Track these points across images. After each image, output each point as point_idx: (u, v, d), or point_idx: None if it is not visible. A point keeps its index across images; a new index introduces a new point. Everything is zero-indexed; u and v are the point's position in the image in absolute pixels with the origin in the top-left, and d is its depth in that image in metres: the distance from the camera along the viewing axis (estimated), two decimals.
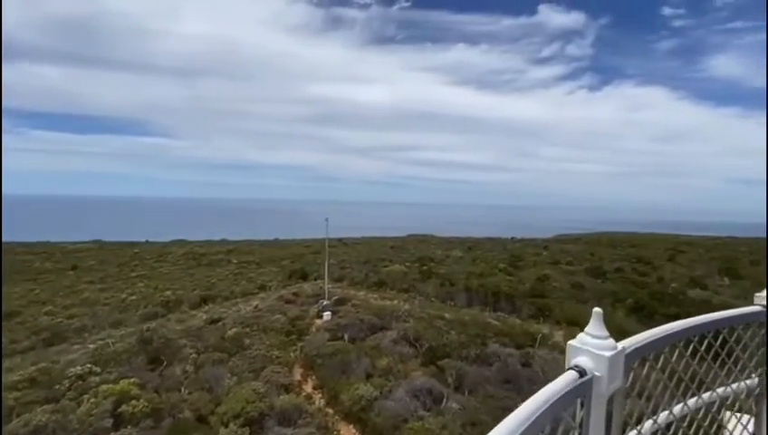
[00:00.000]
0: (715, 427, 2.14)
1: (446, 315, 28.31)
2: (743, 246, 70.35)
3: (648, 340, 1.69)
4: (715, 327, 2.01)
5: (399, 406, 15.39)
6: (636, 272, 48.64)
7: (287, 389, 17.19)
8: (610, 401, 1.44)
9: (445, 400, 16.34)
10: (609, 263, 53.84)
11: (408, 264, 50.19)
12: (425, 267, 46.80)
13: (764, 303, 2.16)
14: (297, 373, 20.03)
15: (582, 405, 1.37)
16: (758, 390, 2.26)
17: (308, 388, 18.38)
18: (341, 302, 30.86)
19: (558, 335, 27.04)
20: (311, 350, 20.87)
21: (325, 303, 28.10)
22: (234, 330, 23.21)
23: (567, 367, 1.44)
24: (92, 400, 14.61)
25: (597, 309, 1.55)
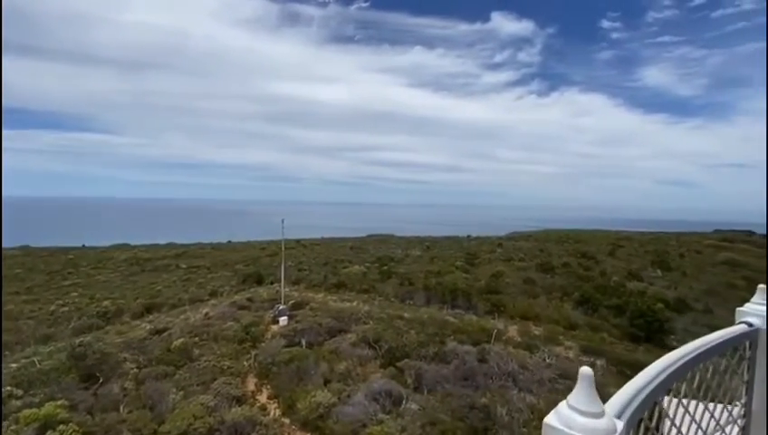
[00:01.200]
0: None
1: (406, 315, 28.40)
2: (672, 240, 77.40)
3: None
4: None
5: (358, 411, 15.09)
6: (581, 266, 51.76)
7: (239, 401, 16.30)
8: None
9: (404, 401, 16.26)
10: (557, 258, 56.88)
11: (367, 264, 49.97)
12: (384, 267, 46.82)
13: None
14: (251, 383, 19.10)
15: (750, 347, 1.88)
16: None
17: (262, 398, 17.56)
18: (299, 305, 30.00)
19: (512, 330, 28.05)
20: (265, 358, 19.98)
21: (281, 307, 27.13)
22: (181, 340, 21.70)
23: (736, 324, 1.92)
24: (12, 427, 12.98)
25: (762, 285, 2.02)
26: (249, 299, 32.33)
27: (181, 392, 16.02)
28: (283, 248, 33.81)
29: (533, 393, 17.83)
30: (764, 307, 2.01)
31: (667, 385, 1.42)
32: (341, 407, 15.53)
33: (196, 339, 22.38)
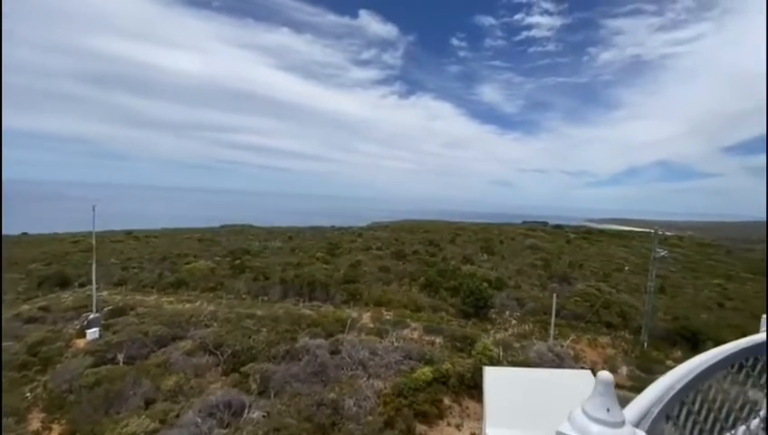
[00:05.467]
0: None
1: (258, 313, 26.28)
2: (495, 230, 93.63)
3: None
4: None
5: (187, 432, 12.92)
6: (428, 253, 57.67)
7: None
8: None
9: (247, 410, 14.71)
10: (409, 247, 62.07)
11: (217, 258, 44.88)
12: (238, 261, 42.80)
13: None
14: (35, 421, 14.58)
15: None
16: None
17: None
18: (120, 312, 24.65)
19: (366, 317, 28.98)
20: (59, 384, 15.50)
21: (92, 316, 21.67)
22: None
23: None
24: None
25: None
26: (44, 309, 24.92)
27: None
28: (94, 241, 27.08)
29: (381, 378, 18.54)
30: None
31: (687, 392, 1.36)
32: (166, 432, 13.06)
33: None
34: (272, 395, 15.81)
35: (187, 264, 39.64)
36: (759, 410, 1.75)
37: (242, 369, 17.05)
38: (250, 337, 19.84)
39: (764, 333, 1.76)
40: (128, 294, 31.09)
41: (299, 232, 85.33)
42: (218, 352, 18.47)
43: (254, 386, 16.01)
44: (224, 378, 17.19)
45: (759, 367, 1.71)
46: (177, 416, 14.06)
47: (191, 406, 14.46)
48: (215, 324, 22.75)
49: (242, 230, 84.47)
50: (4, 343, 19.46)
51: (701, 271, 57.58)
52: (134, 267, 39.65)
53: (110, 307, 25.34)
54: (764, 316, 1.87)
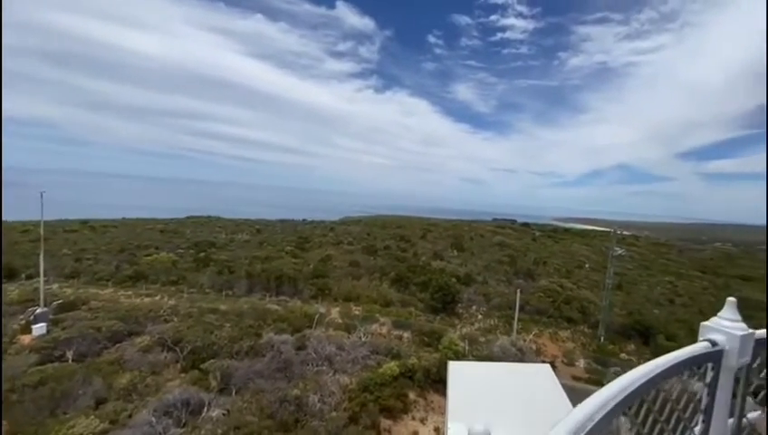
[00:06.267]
0: None
1: (222, 307, 25.48)
2: (465, 226, 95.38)
3: None
4: None
5: (141, 432, 12.31)
6: (399, 249, 57.94)
7: None
8: (737, 379, 1.64)
9: (206, 408, 14.21)
10: (380, 242, 62.13)
11: (180, 250, 43.12)
12: (202, 254, 41.30)
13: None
14: None
15: (713, 369, 1.62)
16: None
17: None
18: (71, 306, 23.19)
19: (334, 312, 28.74)
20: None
21: (39, 311, 20.24)
22: None
23: (699, 341, 1.65)
24: None
25: (731, 298, 1.74)
26: None
27: None
28: (42, 230, 25.23)
29: (348, 373, 18.43)
30: (732, 323, 1.71)
31: (621, 409, 1.29)
32: (117, 433, 12.39)
33: None
34: (233, 392, 15.35)
35: (147, 256, 37.83)
36: (695, 427, 1.68)
37: (202, 366, 16.46)
38: (212, 333, 19.18)
39: (705, 343, 1.69)
40: (80, 287, 29.29)
41: (268, 225, 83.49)
42: (177, 349, 17.73)
43: (214, 383, 15.49)
44: (182, 375, 16.52)
45: (695, 380, 1.65)
46: (130, 416, 13.39)
47: (146, 405, 13.81)
48: (175, 319, 21.85)
49: (208, 222, 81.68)
50: None
51: (654, 269, 61.10)
52: (88, 259, 37.41)
53: (60, 301, 23.78)
54: (703, 323, 1.79)
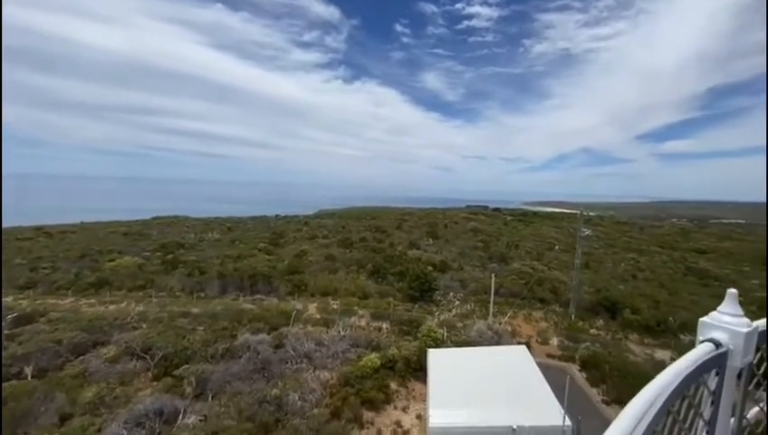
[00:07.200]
0: None
1: (194, 310, 24.62)
2: (440, 214, 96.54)
3: None
4: None
5: None
6: (375, 240, 57.92)
7: None
8: (740, 374, 1.51)
9: (181, 415, 13.71)
10: (356, 234, 61.86)
11: (146, 253, 41.26)
12: (170, 256, 39.67)
13: None
14: None
15: (717, 375, 1.45)
16: None
17: None
18: (27, 319, 21.70)
19: (312, 308, 28.41)
20: None
21: None
22: None
23: (700, 341, 1.49)
24: None
25: (732, 290, 1.57)
26: None
27: None
28: None
29: (328, 369, 18.28)
30: (734, 318, 1.51)
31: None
32: None
33: None
34: (209, 397, 14.88)
35: (110, 261, 35.93)
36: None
37: (175, 372, 15.83)
38: (184, 337, 18.47)
39: (707, 344, 1.49)
40: (37, 298, 27.49)
41: (239, 222, 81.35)
42: (148, 356, 16.97)
43: (188, 389, 14.94)
44: (154, 383, 15.85)
45: (700, 390, 1.45)
46: (99, 430, 12.72)
47: (115, 418, 13.15)
48: (143, 326, 20.90)
49: (175, 222, 78.63)
50: None
51: (618, 247, 64.15)
52: (45, 268, 35.11)
53: (15, 314, 22.21)
54: (702, 320, 1.56)
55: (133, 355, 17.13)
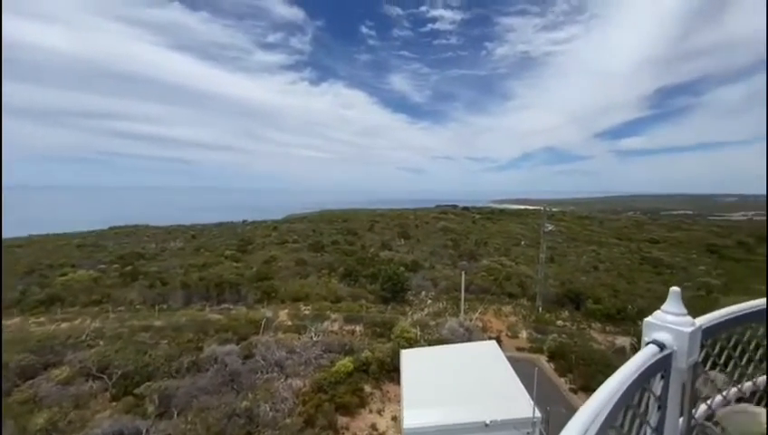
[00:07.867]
0: None
1: (156, 323, 23.42)
2: (411, 215, 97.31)
3: (724, 318, 1.67)
4: None
5: None
6: (347, 243, 57.52)
7: None
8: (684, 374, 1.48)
9: None
10: (327, 237, 61.16)
11: (102, 266, 38.88)
12: (129, 267, 37.58)
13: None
14: None
15: (662, 378, 1.41)
16: None
17: None
18: None
19: (283, 315, 27.74)
20: None
21: None
22: None
23: (645, 343, 1.47)
24: None
25: (675, 288, 1.53)
26: None
27: None
28: None
29: (300, 376, 17.87)
30: (678, 318, 1.45)
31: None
32: None
33: None
34: (174, 415, 14.14)
35: (62, 275, 33.54)
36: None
37: (136, 391, 14.94)
38: (146, 353, 17.50)
39: (652, 347, 1.44)
40: None
41: (204, 229, 78.42)
42: (105, 376, 15.93)
43: (151, 408, 14.14)
44: (113, 404, 14.89)
45: (646, 396, 1.42)
46: None
47: None
48: (100, 343, 19.62)
49: (135, 231, 74.71)
50: None
51: (580, 240, 67.16)
52: None
53: None
54: (646, 320, 1.53)
55: (89, 375, 16.03)
